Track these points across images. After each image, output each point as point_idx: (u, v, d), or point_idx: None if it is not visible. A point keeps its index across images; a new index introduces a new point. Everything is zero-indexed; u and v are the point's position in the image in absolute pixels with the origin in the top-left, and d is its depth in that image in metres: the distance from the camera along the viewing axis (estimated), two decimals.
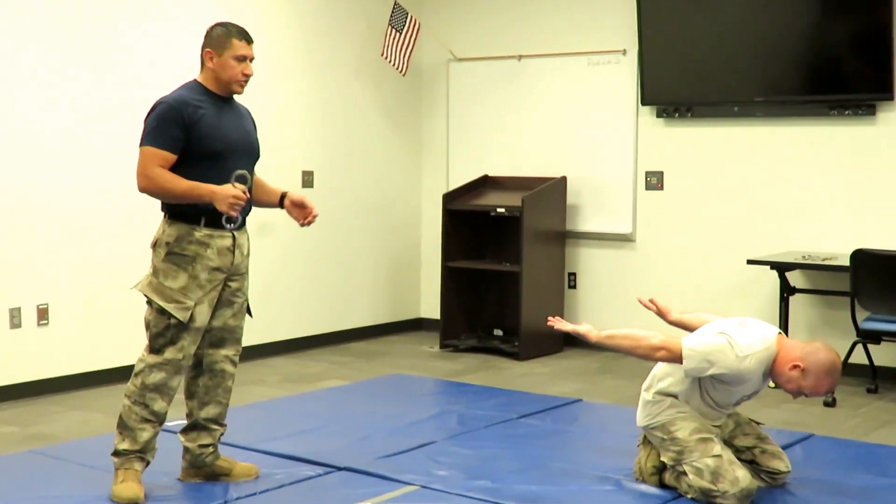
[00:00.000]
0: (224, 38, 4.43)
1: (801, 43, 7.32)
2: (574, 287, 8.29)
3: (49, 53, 6.45)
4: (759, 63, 7.41)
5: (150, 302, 4.36)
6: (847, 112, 7.09)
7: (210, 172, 4.30)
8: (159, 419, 4.39)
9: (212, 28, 4.51)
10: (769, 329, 4.33)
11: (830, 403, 6.31)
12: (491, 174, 8.42)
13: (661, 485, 4.51)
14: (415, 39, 8.23)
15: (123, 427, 4.37)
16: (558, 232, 8.07)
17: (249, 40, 4.47)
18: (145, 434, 4.35)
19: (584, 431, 5.66)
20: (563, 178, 7.99)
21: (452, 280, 8.16)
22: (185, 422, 4.60)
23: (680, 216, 7.82)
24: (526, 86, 8.41)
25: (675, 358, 4.23)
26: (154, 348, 4.35)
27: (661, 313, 4.73)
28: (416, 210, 8.91)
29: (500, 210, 7.87)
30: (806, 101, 7.29)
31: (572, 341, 7.75)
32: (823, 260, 6.73)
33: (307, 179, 8.07)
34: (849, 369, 6.46)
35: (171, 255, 4.33)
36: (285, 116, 7.88)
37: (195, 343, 4.39)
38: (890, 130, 6.97)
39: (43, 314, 6.49)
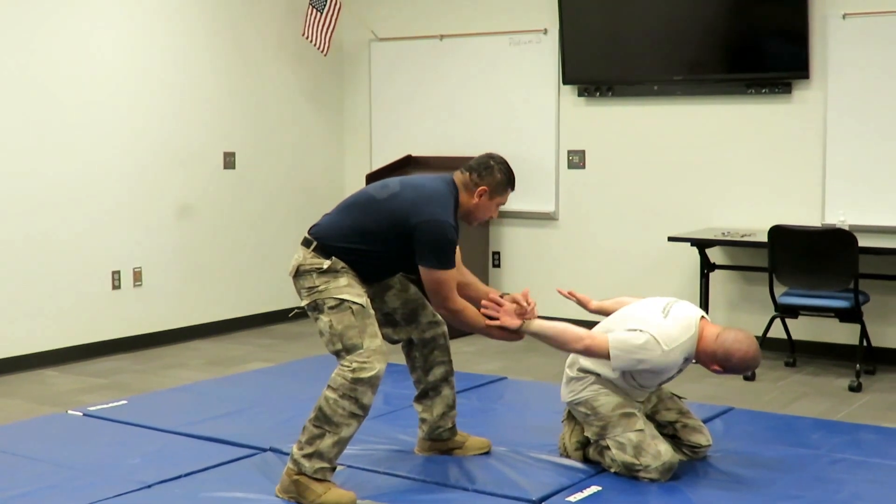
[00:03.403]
0: (503, 187, 4.38)
1: (719, 22, 7.40)
2: (498, 266, 8.33)
3: None
4: (679, 42, 7.49)
5: (320, 309, 4.15)
6: (764, 90, 7.20)
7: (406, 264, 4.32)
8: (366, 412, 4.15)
9: (496, 165, 4.37)
10: (692, 314, 4.34)
11: (750, 377, 6.42)
12: (414, 154, 8.41)
13: (585, 459, 4.56)
14: (336, 19, 8.18)
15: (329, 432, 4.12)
16: None
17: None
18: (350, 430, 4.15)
19: (508, 409, 5.70)
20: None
21: None
22: None
23: (602, 194, 7.88)
24: (448, 65, 8.41)
25: (603, 357, 4.27)
26: (349, 347, 4.10)
27: (581, 303, 4.76)
28: (338, 190, 8.87)
29: None
30: (724, 79, 7.38)
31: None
32: (742, 236, 6.83)
33: (229, 160, 8.00)
34: (767, 343, 6.59)
35: (324, 272, 4.16)
36: (206, 98, 7.80)
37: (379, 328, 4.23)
38: (806, 108, 7.08)
39: None
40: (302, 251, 4.26)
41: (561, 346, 4.34)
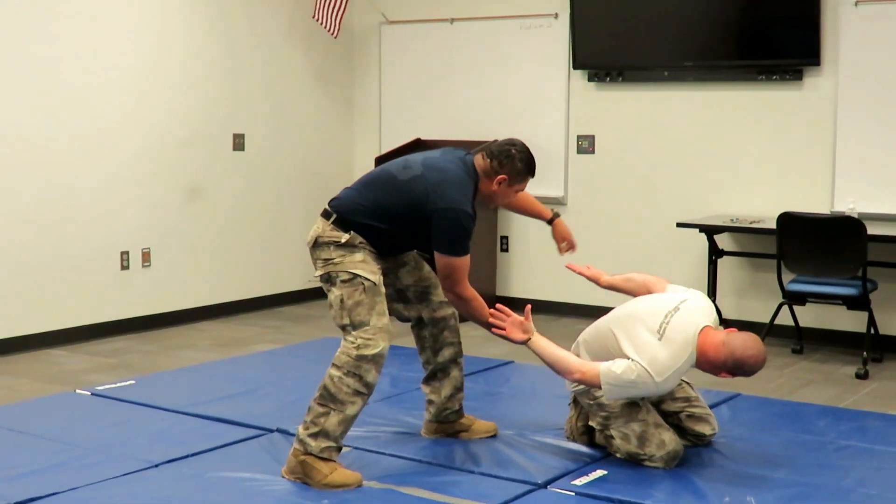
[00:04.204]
0: (523, 176, 4.45)
1: (730, 8, 7.38)
2: (506, 250, 8.33)
3: None
4: (690, 28, 7.47)
5: (332, 281, 4.20)
6: (775, 77, 7.18)
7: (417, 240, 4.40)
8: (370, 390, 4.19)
9: (517, 153, 4.42)
10: (690, 328, 4.14)
11: None
12: (423, 137, 8.40)
13: (592, 443, 4.56)
14: (346, 2, 8.16)
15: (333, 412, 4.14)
16: None
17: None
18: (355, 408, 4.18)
19: (515, 392, 5.70)
20: (495, 142, 7.95)
21: None
22: None
23: (611, 180, 7.87)
24: (458, 49, 8.40)
25: (596, 388, 4.24)
26: (357, 323, 4.15)
27: (593, 279, 4.73)
28: (348, 173, 8.87)
29: None
30: (735, 66, 7.36)
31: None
32: (751, 223, 6.82)
33: (238, 142, 8.00)
34: (775, 330, 6.59)
35: (342, 246, 4.21)
36: (215, 79, 7.80)
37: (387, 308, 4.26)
38: (816, 95, 7.06)
39: None
40: (321, 222, 4.29)
41: (557, 372, 4.30)
